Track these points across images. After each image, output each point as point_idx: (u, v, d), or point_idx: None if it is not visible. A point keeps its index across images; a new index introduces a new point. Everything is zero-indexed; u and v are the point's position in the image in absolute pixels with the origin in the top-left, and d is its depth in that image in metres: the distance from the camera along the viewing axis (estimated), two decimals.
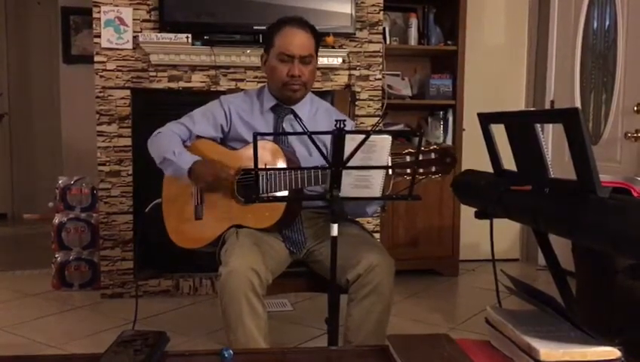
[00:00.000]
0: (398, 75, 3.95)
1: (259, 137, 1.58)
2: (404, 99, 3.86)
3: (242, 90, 2.49)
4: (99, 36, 3.19)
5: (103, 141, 3.25)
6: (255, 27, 3.18)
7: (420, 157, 1.81)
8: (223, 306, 1.82)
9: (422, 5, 3.92)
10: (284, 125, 2.14)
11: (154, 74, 3.24)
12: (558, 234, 1.38)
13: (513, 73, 4.20)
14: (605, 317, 1.78)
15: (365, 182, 1.65)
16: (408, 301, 3.34)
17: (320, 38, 2.18)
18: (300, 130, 1.64)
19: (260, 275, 1.81)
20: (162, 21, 3.17)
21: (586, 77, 3.70)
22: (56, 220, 3.48)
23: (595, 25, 3.62)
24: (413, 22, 3.83)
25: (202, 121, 2.15)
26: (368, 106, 3.47)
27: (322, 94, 2.45)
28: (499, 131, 1.63)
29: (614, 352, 1.18)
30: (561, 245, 1.73)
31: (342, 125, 1.55)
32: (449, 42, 3.82)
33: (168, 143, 2.08)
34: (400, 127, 3.84)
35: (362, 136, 1.58)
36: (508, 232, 4.15)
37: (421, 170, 1.81)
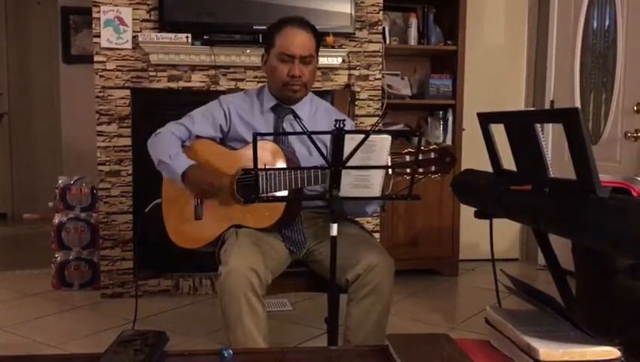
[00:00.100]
0: (397, 75, 3.95)
1: (258, 137, 1.58)
2: (404, 99, 3.86)
3: (242, 89, 2.49)
4: (98, 36, 3.19)
5: (103, 141, 3.25)
6: (255, 27, 3.18)
7: (420, 157, 1.81)
8: (222, 306, 1.82)
9: (422, 5, 3.92)
10: (284, 125, 2.14)
11: (154, 74, 3.24)
12: (558, 234, 1.38)
13: (513, 73, 4.20)
14: (605, 317, 1.78)
15: (365, 181, 1.65)
16: (408, 301, 3.34)
17: (321, 39, 2.18)
18: (299, 130, 1.64)
19: (259, 275, 1.81)
20: (162, 21, 3.17)
21: (586, 77, 3.70)
22: (56, 220, 3.48)
23: (595, 25, 3.62)
24: (413, 22, 3.83)
25: (202, 121, 2.15)
26: (368, 106, 3.47)
27: (322, 94, 2.45)
28: (498, 131, 1.63)
29: (614, 352, 1.18)
30: (561, 245, 1.73)
31: (341, 125, 1.55)
32: (449, 42, 3.82)
33: (165, 145, 2.07)
34: (400, 126, 3.84)
35: (362, 136, 1.58)
36: (508, 232, 4.15)
37: (421, 170, 1.81)
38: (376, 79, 3.48)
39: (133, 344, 1.20)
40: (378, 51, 3.47)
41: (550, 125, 3.78)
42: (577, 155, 1.29)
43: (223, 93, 2.62)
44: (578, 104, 3.70)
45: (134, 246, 3.27)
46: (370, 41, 3.45)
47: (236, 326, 1.80)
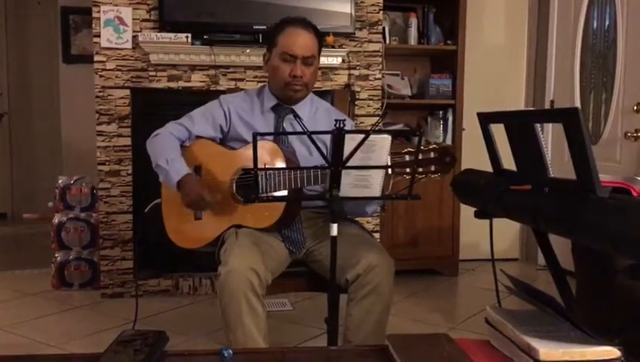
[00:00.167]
0: (397, 75, 3.95)
1: (258, 137, 1.58)
2: (404, 99, 3.86)
3: (242, 89, 2.49)
4: (98, 36, 3.19)
5: (103, 141, 3.25)
6: (255, 27, 3.18)
7: (420, 157, 1.81)
8: (222, 306, 1.82)
9: (422, 5, 3.92)
10: (284, 125, 2.14)
11: (153, 73, 3.24)
12: (558, 233, 1.38)
13: (513, 73, 4.20)
14: (605, 317, 1.78)
15: (365, 181, 1.65)
16: (408, 301, 3.34)
17: (323, 40, 2.18)
18: (300, 129, 1.64)
19: (259, 275, 1.81)
20: (162, 21, 3.17)
21: (586, 77, 3.70)
22: (55, 220, 3.48)
23: (595, 25, 3.61)
24: (413, 21, 3.83)
25: (201, 121, 2.15)
26: (368, 106, 3.47)
27: (322, 94, 2.45)
28: (498, 131, 1.62)
29: (614, 352, 1.18)
30: (560, 245, 1.73)
31: (341, 125, 1.55)
32: (449, 42, 3.82)
33: (164, 147, 2.06)
34: (399, 126, 3.84)
35: (362, 136, 1.58)
36: (508, 232, 4.15)
37: (421, 170, 1.81)
38: (376, 79, 3.48)
39: (133, 344, 1.20)
40: (378, 51, 3.47)
41: (550, 125, 3.78)
42: (577, 155, 1.29)
43: (223, 93, 2.62)
44: (578, 104, 3.70)
45: (134, 246, 3.27)
46: (370, 41, 3.45)
47: (236, 326, 1.80)
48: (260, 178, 1.80)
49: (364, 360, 1.27)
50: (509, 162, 1.64)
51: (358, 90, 3.44)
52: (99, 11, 3.17)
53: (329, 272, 1.64)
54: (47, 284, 3.48)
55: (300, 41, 2.05)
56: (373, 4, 3.44)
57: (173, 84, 3.26)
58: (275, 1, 3.20)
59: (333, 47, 3.30)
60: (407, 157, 1.83)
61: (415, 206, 3.70)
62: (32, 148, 6.00)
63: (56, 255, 3.46)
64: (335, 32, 3.29)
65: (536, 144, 1.43)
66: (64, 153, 5.40)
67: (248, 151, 1.90)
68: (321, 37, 2.13)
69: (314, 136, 1.62)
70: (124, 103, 3.24)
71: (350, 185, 1.64)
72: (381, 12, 3.47)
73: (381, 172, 1.66)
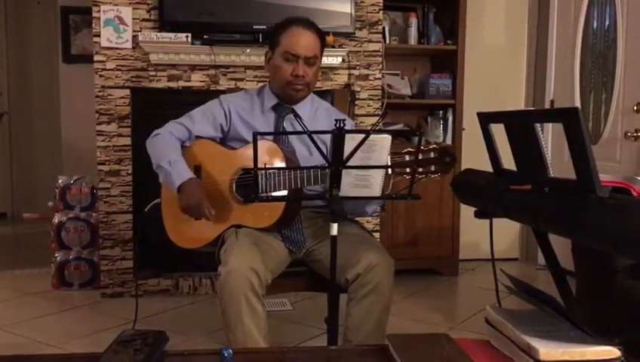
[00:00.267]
0: (397, 75, 3.95)
1: (258, 137, 1.58)
2: (404, 99, 3.86)
3: (242, 89, 2.49)
4: (98, 35, 3.19)
5: (103, 140, 3.25)
6: (255, 26, 3.18)
7: (420, 157, 1.81)
8: (222, 306, 1.82)
9: (422, 5, 3.92)
10: (284, 124, 2.14)
11: (153, 73, 3.24)
12: (558, 233, 1.38)
13: (513, 73, 4.20)
14: (605, 316, 1.78)
15: (365, 181, 1.65)
16: (408, 300, 3.34)
17: (325, 40, 2.18)
18: (300, 129, 1.64)
19: (259, 275, 1.81)
20: (162, 20, 3.17)
21: (586, 76, 3.70)
22: (55, 220, 3.48)
23: (595, 24, 3.61)
24: (413, 21, 3.83)
25: (202, 120, 2.15)
26: (368, 106, 3.47)
27: (322, 93, 2.45)
28: (498, 131, 1.62)
29: (614, 352, 1.18)
30: (560, 245, 1.73)
31: (342, 125, 1.55)
32: (449, 42, 3.82)
33: (165, 149, 2.06)
34: (400, 126, 3.84)
35: (362, 136, 1.58)
36: (508, 232, 4.15)
37: (421, 170, 1.81)
38: (376, 79, 3.48)
39: (133, 343, 1.20)
40: (378, 51, 3.47)
41: (550, 125, 3.78)
42: (577, 155, 1.29)
43: (223, 92, 2.61)
44: (578, 104, 3.70)
45: (134, 246, 3.27)
46: (370, 41, 3.45)
47: (236, 325, 1.80)
48: (259, 178, 1.80)
49: (364, 360, 1.27)
50: (509, 162, 1.64)
51: (358, 89, 3.44)
52: (99, 11, 3.17)
53: (329, 272, 1.64)
54: (47, 284, 3.48)
55: (303, 41, 2.05)
56: (373, 4, 3.44)
57: (173, 84, 3.26)
58: (275, 0, 3.20)
59: (333, 46, 3.30)
60: (407, 157, 1.83)
61: (415, 206, 3.70)
62: (31, 148, 6.00)
63: (56, 255, 3.46)
64: (335, 31, 3.29)
65: (536, 144, 1.43)
66: (64, 153, 5.40)
67: (248, 150, 1.90)
68: (323, 37, 2.14)
69: (314, 136, 1.62)
70: (124, 103, 3.24)
71: (350, 184, 1.64)
72: (381, 12, 3.47)
73: (381, 172, 1.66)
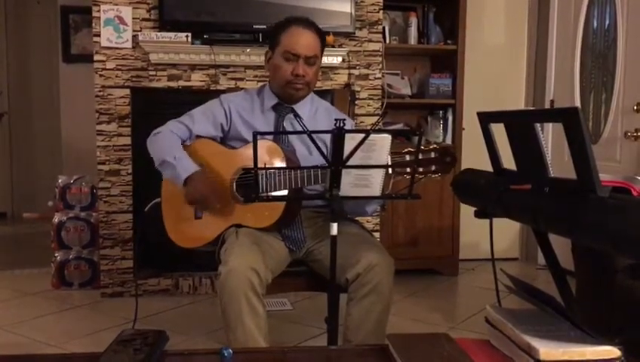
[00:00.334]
0: (397, 74, 3.95)
1: (258, 136, 1.58)
2: (404, 99, 3.86)
3: (242, 89, 2.49)
4: (98, 35, 3.19)
5: (103, 140, 3.25)
6: (255, 26, 3.18)
7: (420, 157, 1.81)
8: (222, 305, 1.82)
9: (422, 4, 3.92)
10: (284, 124, 2.14)
11: (153, 73, 3.24)
12: (558, 233, 1.38)
13: (513, 73, 4.20)
14: (605, 316, 1.78)
15: (365, 181, 1.65)
16: (408, 300, 3.34)
17: (325, 40, 2.18)
18: (300, 129, 1.64)
19: (259, 274, 1.81)
20: (162, 20, 3.17)
21: (586, 76, 3.70)
22: (55, 219, 3.48)
23: (595, 24, 3.61)
24: (413, 21, 3.83)
25: (202, 120, 2.15)
26: (368, 105, 3.47)
27: (322, 93, 2.45)
28: (498, 130, 1.62)
29: (614, 351, 1.18)
30: (560, 244, 1.73)
31: (342, 124, 1.55)
32: (449, 41, 3.82)
33: (168, 145, 2.07)
34: (399, 126, 3.84)
35: (362, 135, 1.58)
36: (508, 231, 4.15)
37: (421, 170, 1.81)
38: (376, 78, 3.48)
39: (133, 343, 1.20)
40: (378, 50, 3.47)
41: (550, 125, 3.78)
42: (577, 155, 1.29)
43: (223, 92, 2.61)
44: (578, 103, 3.70)
45: (134, 246, 3.27)
46: (370, 41, 3.45)
47: (236, 325, 1.80)
48: (260, 177, 1.81)
49: (364, 360, 1.27)
50: (509, 162, 1.64)
51: (358, 89, 3.44)
52: (99, 11, 3.17)
53: (329, 272, 1.64)
54: (47, 284, 3.48)
55: (303, 41, 2.05)
56: (373, 4, 3.44)
57: (173, 84, 3.26)
58: (275, 0, 3.20)
59: (333, 46, 3.30)
60: (407, 157, 1.83)
61: (415, 205, 3.70)
62: (31, 148, 6.00)
63: (56, 254, 3.46)
64: (335, 31, 3.29)
65: (536, 143, 1.43)
66: (64, 152, 5.40)
67: (248, 150, 1.90)
68: (323, 37, 2.14)
69: (314, 136, 1.62)
70: (124, 103, 3.24)
71: (350, 184, 1.64)
72: (381, 11, 3.47)
73: (381, 171, 1.66)
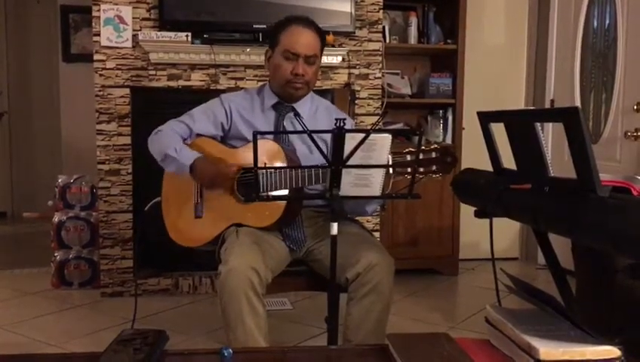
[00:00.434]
0: (397, 74, 3.95)
1: (259, 136, 1.58)
2: (404, 98, 3.86)
3: (242, 88, 2.49)
4: (98, 35, 3.19)
5: (103, 140, 3.25)
6: (255, 26, 3.18)
7: (421, 156, 1.81)
8: (222, 305, 1.82)
9: (422, 4, 3.92)
10: (285, 123, 2.14)
11: (153, 72, 3.24)
12: (558, 233, 1.38)
13: (513, 72, 4.20)
14: (605, 316, 1.78)
15: (365, 180, 1.65)
16: (408, 300, 3.34)
17: (325, 40, 2.18)
18: (300, 128, 1.64)
19: (259, 274, 1.81)
20: (162, 19, 3.17)
21: (586, 76, 3.70)
22: (55, 219, 3.47)
23: (595, 24, 3.61)
24: (413, 20, 3.83)
25: (203, 119, 2.15)
26: (368, 105, 3.47)
27: (322, 93, 2.45)
28: (499, 130, 1.62)
29: (614, 351, 1.18)
30: (560, 244, 1.73)
31: (342, 124, 1.55)
32: (449, 41, 3.82)
33: (169, 141, 2.08)
34: (400, 125, 3.84)
35: (362, 135, 1.58)
36: (508, 231, 4.15)
37: (421, 169, 1.81)
38: (376, 78, 3.47)
39: (133, 343, 1.20)
40: (378, 50, 3.47)
41: (550, 124, 3.78)
42: (577, 154, 1.29)
43: (223, 92, 2.61)
44: (578, 103, 3.70)
45: (134, 245, 3.27)
46: (370, 40, 3.44)
47: (236, 325, 1.80)
48: (260, 177, 1.81)
49: (364, 360, 1.27)
50: (509, 161, 1.64)
51: (358, 89, 3.44)
52: (99, 10, 3.17)
53: (329, 271, 1.64)
54: (46, 283, 3.48)
55: (303, 40, 2.05)
56: (373, 3, 3.44)
57: (173, 83, 3.26)
58: (275, 0, 3.20)
59: (333, 46, 3.30)
60: (407, 157, 1.83)
61: (415, 205, 3.70)
62: (31, 148, 5.99)
63: (56, 254, 3.46)
64: (335, 30, 3.29)
65: (536, 143, 1.43)
66: (64, 152, 5.40)
67: (249, 150, 1.90)
68: (323, 36, 2.14)
69: (314, 135, 1.62)
70: (124, 102, 3.23)
71: (350, 184, 1.64)
72: (381, 11, 3.47)
73: (381, 171, 1.66)
